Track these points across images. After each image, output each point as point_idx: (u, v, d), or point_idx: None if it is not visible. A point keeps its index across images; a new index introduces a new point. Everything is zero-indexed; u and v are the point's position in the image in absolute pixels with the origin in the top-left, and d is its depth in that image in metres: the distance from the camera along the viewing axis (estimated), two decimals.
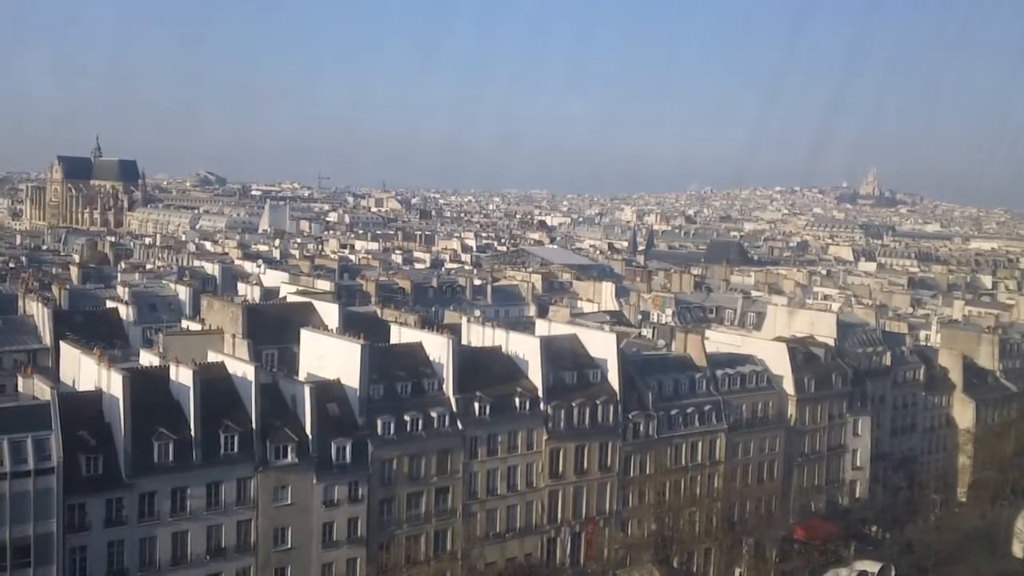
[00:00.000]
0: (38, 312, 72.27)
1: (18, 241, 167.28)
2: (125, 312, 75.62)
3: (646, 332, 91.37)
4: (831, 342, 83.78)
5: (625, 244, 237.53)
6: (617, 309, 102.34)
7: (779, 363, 78.33)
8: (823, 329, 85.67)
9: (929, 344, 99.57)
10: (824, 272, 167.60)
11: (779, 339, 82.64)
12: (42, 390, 51.12)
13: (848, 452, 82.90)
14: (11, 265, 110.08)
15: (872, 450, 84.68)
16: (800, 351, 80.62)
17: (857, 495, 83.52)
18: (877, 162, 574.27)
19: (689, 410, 71.92)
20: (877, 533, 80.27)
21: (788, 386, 78.21)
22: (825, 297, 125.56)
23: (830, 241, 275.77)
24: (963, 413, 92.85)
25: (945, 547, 76.07)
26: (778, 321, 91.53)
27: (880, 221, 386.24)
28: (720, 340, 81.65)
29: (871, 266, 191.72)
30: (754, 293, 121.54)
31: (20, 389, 53.55)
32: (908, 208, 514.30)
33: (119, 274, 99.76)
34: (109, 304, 77.73)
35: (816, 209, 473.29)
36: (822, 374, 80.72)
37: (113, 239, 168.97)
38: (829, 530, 77.21)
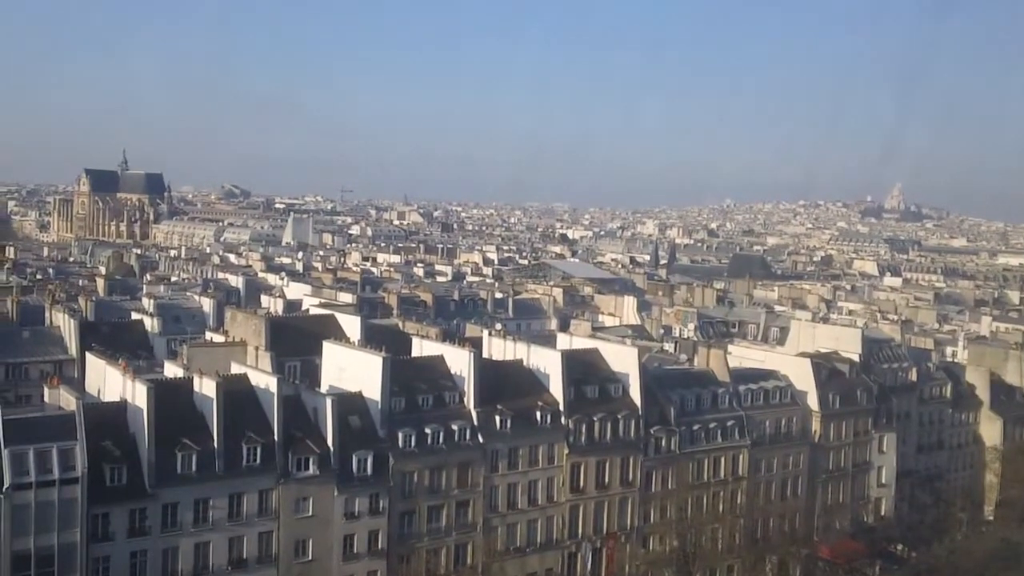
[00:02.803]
0: (65, 323, 73.03)
1: (46, 253, 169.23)
2: (150, 324, 76.25)
3: (668, 346, 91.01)
4: (856, 358, 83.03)
5: (647, 258, 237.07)
6: (639, 323, 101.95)
7: (803, 379, 77.76)
8: (848, 344, 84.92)
9: (956, 360, 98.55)
10: (849, 287, 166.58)
11: (803, 354, 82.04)
12: (68, 400, 51.51)
13: (873, 469, 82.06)
14: (39, 277, 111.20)
15: (898, 467, 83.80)
16: (824, 366, 79.99)
17: (882, 513, 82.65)
18: (902, 176, 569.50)
19: (712, 425, 71.49)
20: (903, 552, 79.32)
21: (812, 402, 77.59)
22: (850, 312, 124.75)
23: (855, 255, 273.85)
24: (990, 430, 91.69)
25: (972, 567, 74.96)
26: (802, 336, 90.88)
27: (906, 235, 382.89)
28: (743, 355, 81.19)
29: (896, 281, 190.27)
30: (777, 308, 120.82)
31: (46, 399, 53.99)
32: (934, 222, 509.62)
33: (144, 286, 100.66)
34: (134, 316, 78.44)
35: (840, 223, 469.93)
36: (847, 390, 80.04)
37: (139, 251, 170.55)
38: (854, 548, 76.39)
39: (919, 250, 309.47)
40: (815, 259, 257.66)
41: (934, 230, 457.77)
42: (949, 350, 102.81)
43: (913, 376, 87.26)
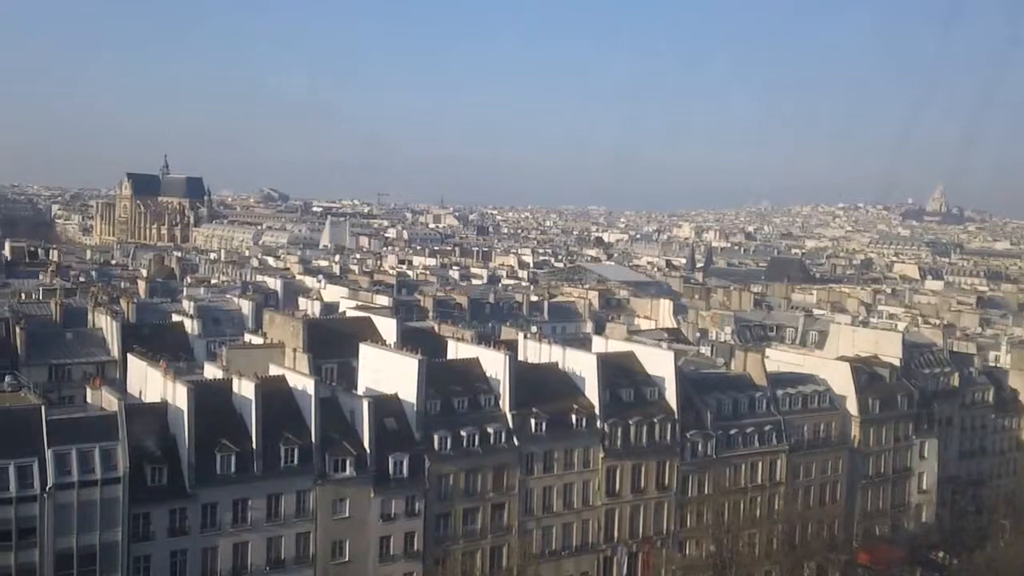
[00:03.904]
0: (107, 325, 74.13)
1: (88, 256, 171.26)
2: (190, 325, 77.14)
3: (704, 350, 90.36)
4: (896, 362, 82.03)
5: (683, 261, 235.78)
6: (675, 327, 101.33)
7: (842, 383, 76.97)
8: (888, 349, 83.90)
9: (999, 365, 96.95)
10: (889, 290, 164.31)
11: (842, 358, 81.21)
12: (110, 401, 52.30)
13: (914, 475, 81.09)
14: (81, 279, 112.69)
15: (939, 473, 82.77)
16: (864, 371, 79.12)
17: (923, 519, 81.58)
18: (944, 178, 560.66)
19: (749, 430, 70.94)
20: (944, 559, 78.17)
21: (851, 407, 76.76)
22: (890, 316, 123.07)
23: (895, 259, 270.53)
24: None
25: (1013, 575, 73.65)
26: (841, 340, 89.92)
27: (947, 238, 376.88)
28: (781, 359, 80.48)
29: (938, 284, 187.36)
30: (816, 311, 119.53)
31: (89, 400, 54.88)
32: (977, 225, 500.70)
33: (185, 288, 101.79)
34: (175, 318, 79.38)
35: (881, 226, 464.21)
36: (887, 395, 79.09)
37: (179, 254, 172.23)
38: (894, 555, 75.45)
39: (961, 253, 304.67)
40: (855, 262, 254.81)
41: (976, 233, 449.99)
42: (992, 354, 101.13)
43: (955, 381, 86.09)
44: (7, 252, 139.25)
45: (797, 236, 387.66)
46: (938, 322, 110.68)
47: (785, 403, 73.73)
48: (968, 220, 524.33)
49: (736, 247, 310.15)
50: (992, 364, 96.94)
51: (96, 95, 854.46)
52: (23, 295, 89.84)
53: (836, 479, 76.19)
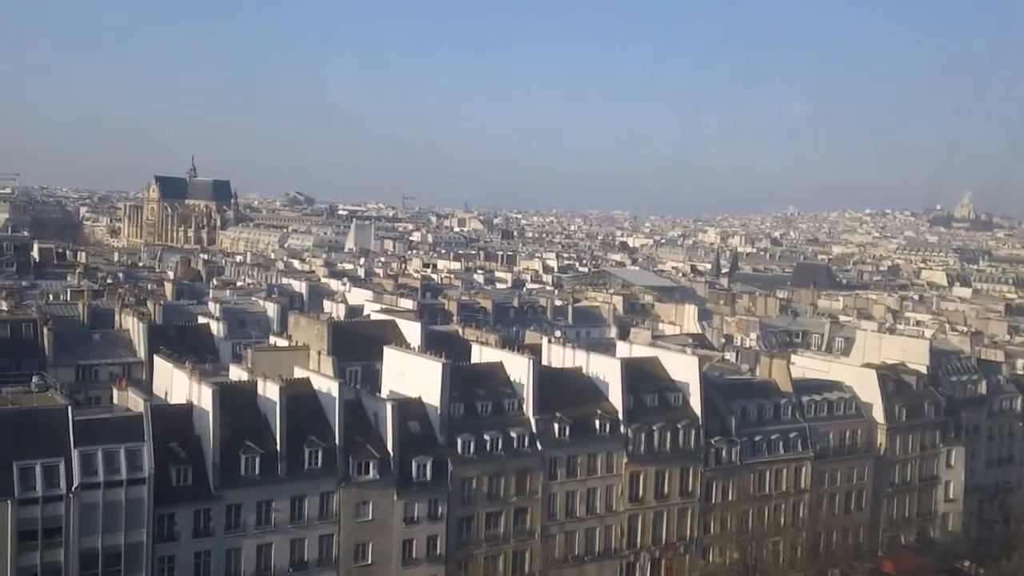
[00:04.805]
0: (133, 327, 74.84)
1: (116, 258, 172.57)
2: (216, 328, 77.69)
3: (729, 356, 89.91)
4: (923, 369, 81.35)
5: (708, 266, 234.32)
6: (700, 332, 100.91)
7: (868, 390, 76.34)
8: (915, 356, 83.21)
9: None
10: (916, 297, 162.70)
11: (868, 365, 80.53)
12: (136, 402, 52.73)
13: (941, 484, 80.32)
14: (109, 281, 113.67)
15: (966, 482, 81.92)
16: (891, 378, 78.43)
17: (950, 528, 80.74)
18: (973, 184, 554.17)
19: (773, 436, 70.52)
20: (970, 568, 77.23)
21: (878, 414, 76.12)
22: (917, 323, 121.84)
23: (923, 265, 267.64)
24: None
25: None
26: (867, 347, 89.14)
27: (976, 245, 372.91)
28: (806, 366, 79.93)
29: (966, 291, 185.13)
30: (842, 318, 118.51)
31: (115, 401, 55.33)
32: (1006, 232, 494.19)
33: (211, 291, 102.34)
34: (201, 320, 79.98)
35: (908, 232, 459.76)
36: (914, 402, 78.36)
37: (206, 256, 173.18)
38: (920, 564, 74.66)
39: (990, 260, 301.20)
40: (882, 269, 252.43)
41: (1005, 240, 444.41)
42: (1020, 362, 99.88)
43: (983, 389, 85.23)
44: (36, 253, 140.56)
45: (823, 242, 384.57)
46: (966, 329, 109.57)
47: (811, 410, 73.24)
48: (997, 227, 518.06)
49: (762, 252, 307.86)
50: (1020, 372, 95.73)
51: (124, 98, 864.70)
52: (51, 296, 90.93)
53: (862, 487, 75.59)
